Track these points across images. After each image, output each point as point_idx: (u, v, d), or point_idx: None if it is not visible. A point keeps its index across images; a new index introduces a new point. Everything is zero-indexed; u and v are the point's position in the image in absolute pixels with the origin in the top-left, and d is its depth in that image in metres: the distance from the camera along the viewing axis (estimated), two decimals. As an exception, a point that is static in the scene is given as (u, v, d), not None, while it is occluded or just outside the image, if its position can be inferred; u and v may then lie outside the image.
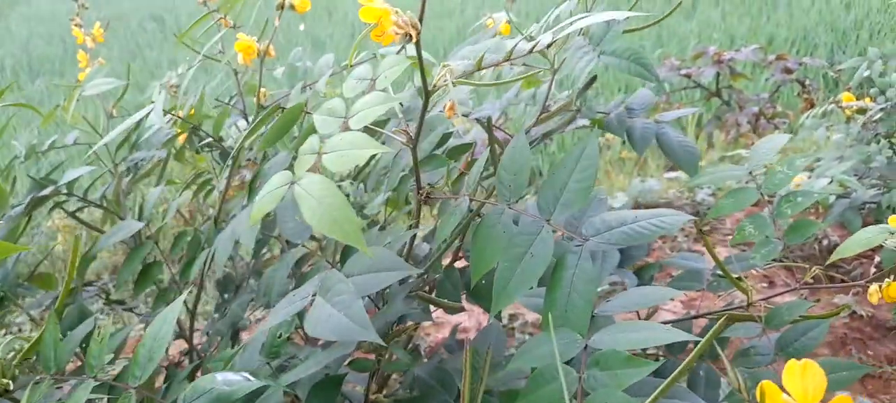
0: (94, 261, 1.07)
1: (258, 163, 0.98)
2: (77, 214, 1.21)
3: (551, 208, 0.57)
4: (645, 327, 0.50)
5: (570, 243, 0.55)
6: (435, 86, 0.52)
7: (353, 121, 0.44)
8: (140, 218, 0.98)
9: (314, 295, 0.56)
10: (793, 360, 0.31)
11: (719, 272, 0.96)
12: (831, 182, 1.61)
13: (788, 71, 2.81)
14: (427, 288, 0.82)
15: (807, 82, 2.89)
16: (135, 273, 0.99)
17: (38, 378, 0.49)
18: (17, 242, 1.08)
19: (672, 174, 2.46)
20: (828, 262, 0.77)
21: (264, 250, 1.18)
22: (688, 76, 2.84)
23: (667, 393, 0.52)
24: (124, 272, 0.97)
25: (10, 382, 0.48)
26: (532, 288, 0.56)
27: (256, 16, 1.09)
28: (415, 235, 0.68)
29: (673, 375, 0.41)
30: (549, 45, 0.62)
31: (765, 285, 1.95)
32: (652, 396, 0.42)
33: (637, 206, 2.29)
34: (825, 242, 2.00)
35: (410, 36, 0.46)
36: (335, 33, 5.30)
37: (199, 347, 1.04)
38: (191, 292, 0.94)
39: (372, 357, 0.73)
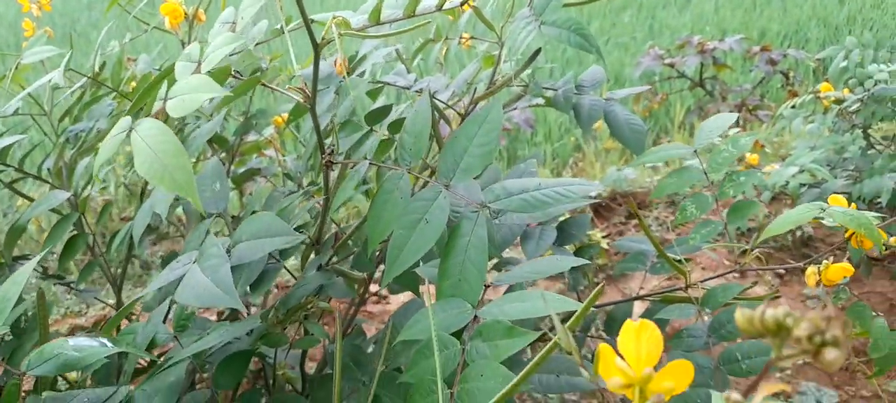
0: (21, 233, 1.03)
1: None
2: (15, 186, 1.18)
3: (451, 174, 0.53)
4: (533, 297, 0.47)
5: (467, 209, 0.52)
6: (324, 39, 0.49)
7: (204, 65, 0.40)
8: (66, 188, 0.95)
9: (194, 262, 0.53)
10: (629, 321, 0.28)
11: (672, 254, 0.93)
12: (802, 171, 1.58)
13: (773, 62, 2.78)
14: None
15: (791, 74, 2.86)
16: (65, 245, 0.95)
17: None
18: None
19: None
20: (757, 242, 0.73)
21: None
22: (671, 65, 2.81)
23: (553, 367, 0.49)
24: (49, 242, 0.94)
25: None
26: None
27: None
28: (326, 204, 0.64)
29: (546, 348, 0.38)
30: (462, 3, 0.58)
31: (736, 275, 1.92)
32: (525, 369, 0.39)
33: (613, 195, 2.26)
34: (799, 233, 1.97)
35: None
36: None
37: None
38: (120, 276, 0.91)
39: (283, 332, 0.70)
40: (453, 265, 0.51)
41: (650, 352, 0.28)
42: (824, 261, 0.74)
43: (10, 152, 1.06)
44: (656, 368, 0.28)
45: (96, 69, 1.15)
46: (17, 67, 1.15)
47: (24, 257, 1.14)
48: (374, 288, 1.16)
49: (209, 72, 0.39)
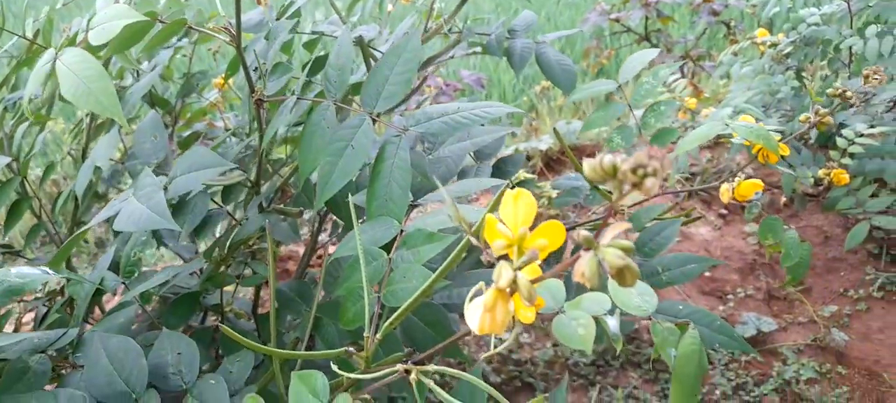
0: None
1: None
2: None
3: (374, 102, 0.57)
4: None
5: (391, 134, 0.55)
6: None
7: (122, -3, 0.42)
8: (5, 154, 0.95)
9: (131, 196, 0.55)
10: (507, 190, 0.32)
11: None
12: (737, 112, 1.65)
13: (715, 13, 2.85)
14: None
15: (733, 24, 2.94)
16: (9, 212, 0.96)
17: None
18: None
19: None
20: (678, 152, 0.78)
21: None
22: (617, 20, 2.86)
23: (457, 268, 0.53)
24: (-8, 210, 0.94)
25: None
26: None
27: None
28: (261, 144, 0.67)
29: (458, 247, 0.42)
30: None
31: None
32: (443, 264, 0.43)
33: (562, 149, 2.32)
34: (741, 175, 2.05)
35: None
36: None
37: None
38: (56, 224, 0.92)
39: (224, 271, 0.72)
40: (380, 187, 0.54)
41: (526, 215, 0.32)
42: (737, 178, 0.79)
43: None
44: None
45: (30, 35, 1.14)
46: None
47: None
48: (324, 239, 1.19)
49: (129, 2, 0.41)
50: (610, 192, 0.89)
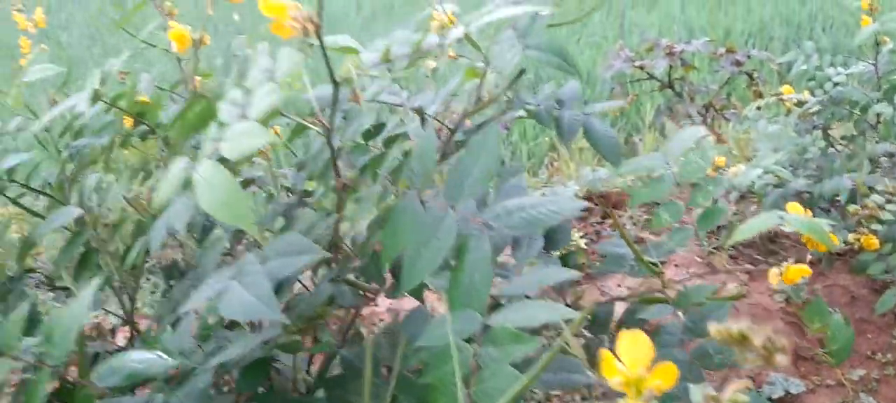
0: (33, 248, 1.08)
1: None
2: (20, 201, 1.21)
3: (456, 195, 0.60)
4: (535, 306, 0.54)
5: (473, 228, 0.59)
6: (342, 77, 0.55)
7: (249, 111, 0.46)
8: (77, 204, 0.99)
9: (231, 279, 0.59)
10: (625, 330, 0.35)
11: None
12: (766, 173, 1.68)
13: (738, 63, 2.89)
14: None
15: (755, 75, 2.98)
16: (74, 259, 1.00)
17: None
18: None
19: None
20: (726, 242, 0.81)
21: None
22: (641, 67, 2.91)
23: (552, 366, 0.56)
24: (62, 258, 0.98)
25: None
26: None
27: (196, 6, 1.10)
28: (337, 221, 0.71)
29: (552, 351, 0.45)
30: (459, 39, 0.65)
31: (706, 270, 2.02)
32: (535, 370, 0.46)
33: (588, 196, 2.35)
34: (765, 230, 2.08)
35: (307, 30, 0.48)
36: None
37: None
38: (126, 279, 0.96)
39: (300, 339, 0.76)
40: (462, 279, 0.58)
41: (643, 357, 0.35)
42: (785, 264, 0.82)
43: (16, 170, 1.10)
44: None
45: (95, 86, 1.19)
46: (17, 84, 1.19)
47: (32, 271, 1.18)
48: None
49: (257, 119, 0.45)
50: (655, 266, 0.92)
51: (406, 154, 0.97)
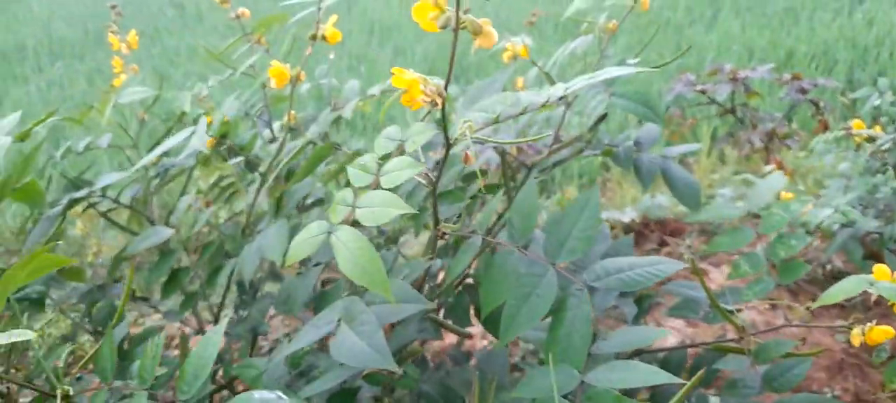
0: (125, 261, 1.14)
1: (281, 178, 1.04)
2: (108, 214, 1.28)
3: (556, 253, 0.62)
4: (636, 367, 0.55)
5: (572, 286, 0.61)
6: (456, 139, 0.58)
7: (383, 180, 0.49)
8: (168, 224, 1.05)
9: (339, 321, 0.62)
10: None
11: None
12: (835, 212, 1.65)
13: (803, 91, 2.84)
14: (438, 308, 0.88)
15: (821, 104, 2.92)
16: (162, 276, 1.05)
17: (93, 386, 0.56)
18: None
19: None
20: (815, 305, 0.81)
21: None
22: (703, 92, 2.88)
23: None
24: (153, 275, 1.04)
25: (70, 389, 0.54)
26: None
27: (281, 35, 1.15)
28: (429, 266, 0.74)
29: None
30: (561, 98, 0.67)
31: (767, 307, 1.99)
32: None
33: (646, 221, 2.34)
34: (829, 267, 2.04)
35: (436, 103, 0.51)
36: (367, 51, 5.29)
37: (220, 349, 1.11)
38: (218, 305, 1.01)
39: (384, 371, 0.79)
40: (561, 335, 0.60)
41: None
42: (868, 324, 0.81)
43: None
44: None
45: (185, 109, 1.26)
46: (110, 104, 1.26)
47: (117, 280, 1.25)
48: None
49: (386, 188, 0.48)
50: (732, 314, 0.92)
51: (480, 191, 1.00)
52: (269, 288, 1.28)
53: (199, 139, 0.79)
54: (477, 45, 0.51)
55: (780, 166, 2.71)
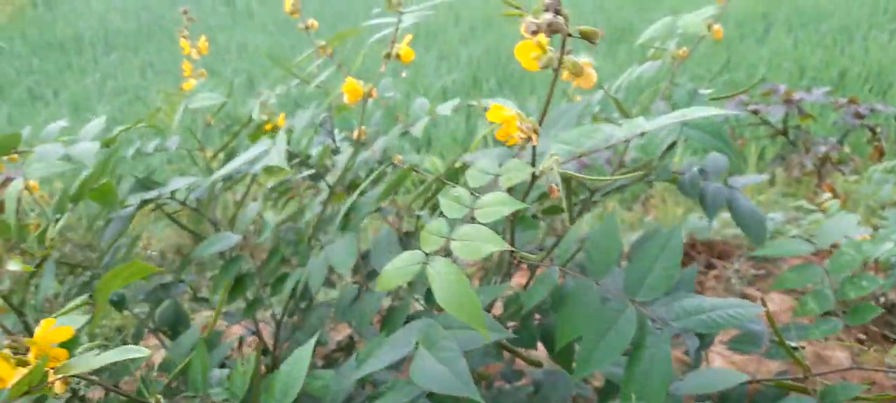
0: (191, 263, 1.17)
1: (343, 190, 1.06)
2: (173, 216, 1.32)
3: (636, 289, 0.63)
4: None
5: (652, 324, 0.61)
6: (542, 172, 0.58)
7: (479, 214, 0.50)
8: (234, 230, 1.08)
9: (417, 344, 0.63)
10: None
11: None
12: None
13: (859, 116, 2.78)
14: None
15: (878, 129, 2.84)
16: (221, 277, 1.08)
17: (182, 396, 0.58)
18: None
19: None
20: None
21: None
22: (755, 112, 2.83)
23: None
24: (220, 279, 1.06)
25: (161, 398, 0.56)
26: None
27: (352, 50, 1.17)
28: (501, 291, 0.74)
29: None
30: (641, 134, 0.67)
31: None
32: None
33: (692, 242, 2.31)
34: (882, 299, 1.99)
35: (530, 139, 0.52)
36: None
37: (277, 354, 1.13)
38: (282, 311, 1.03)
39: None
40: (638, 373, 0.60)
41: None
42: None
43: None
44: None
45: (254, 116, 1.29)
46: (181, 109, 1.30)
47: (181, 281, 1.28)
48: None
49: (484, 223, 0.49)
50: (796, 350, 0.91)
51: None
52: (322, 296, 1.30)
53: (279, 155, 0.81)
54: (575, 84, 0.52)
55: (833, 191, 2.65)
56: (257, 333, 1.30)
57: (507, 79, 4.97)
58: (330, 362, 1.29)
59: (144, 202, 1.17)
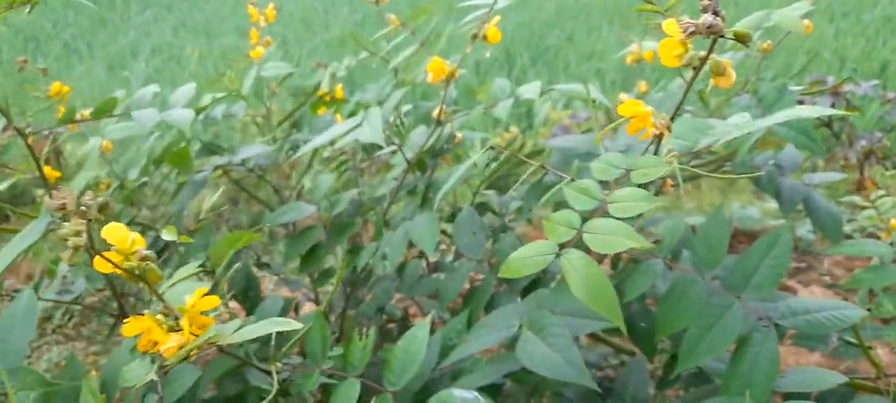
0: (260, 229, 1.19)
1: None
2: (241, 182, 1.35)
3: (741, 287, 0.63)
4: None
5: (758, 322, 0.62)
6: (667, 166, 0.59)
7: (612, 209, 0.51)
8: (310, 200, 1.09)
9: (520, 326, 0.65)
10: None
11: (846, 337, 1.00)
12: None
13: (906, 111, 2.73)
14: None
15: (924, 126, 2.80)
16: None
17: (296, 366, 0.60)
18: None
19: (775, 204, 2.44)
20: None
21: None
22: (800, 103, 2.79)
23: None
24: (292, 248, 1.08)
25: (279, 365, 0.58)
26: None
27: (422, 28, 1.17)
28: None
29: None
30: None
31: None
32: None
33: (734, 232, 2.30)
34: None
35: (663, 135, 0.53)
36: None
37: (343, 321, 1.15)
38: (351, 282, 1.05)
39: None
40: (742, 370, 0.61)
41: None
42: None
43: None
44: None
45: (324, 88, 1.30)
46: (251, 77, 1.31)
47: (248, 246, 1.30)
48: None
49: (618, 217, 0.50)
50: (870, 349, 0.91)
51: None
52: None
53: (375, 131, 0.82)
54: (714, 83, 0.52)
55: (875, 185, 2.62)
56: (316, 299, 1.33)
57: (540, 55, 4.93)
58: (383, 334, 1.31)
59: (217, 168, 1.19)
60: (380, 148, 1.34)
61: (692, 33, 0.47)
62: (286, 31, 4.96)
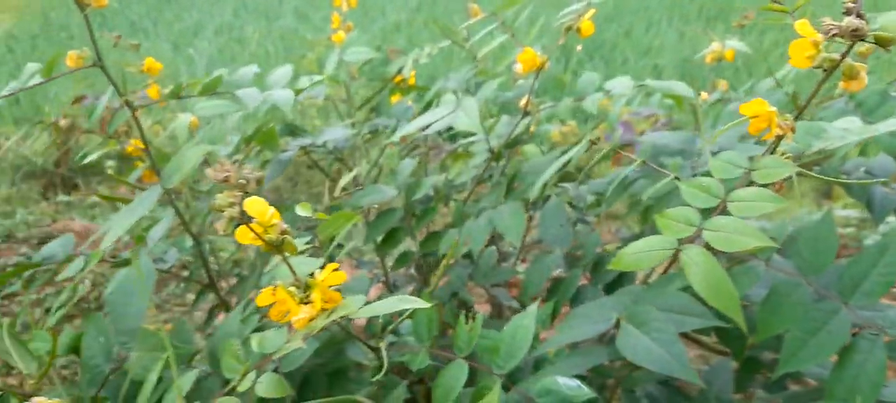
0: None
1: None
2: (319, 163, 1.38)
3: (849, 294, 0.63)
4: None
5: (866, 329, 0.61)
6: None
7: (733, 208, 0.51)
8: (392, 184, 1.11)
9: (618, 319, 0.65)
10: None
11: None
12: None
13: None
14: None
15: None
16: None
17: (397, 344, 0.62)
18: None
19: (843, 212, 2.38)
20: None
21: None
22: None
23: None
24: (373, 231, 1.11)
25: (385, 342, 0.60)
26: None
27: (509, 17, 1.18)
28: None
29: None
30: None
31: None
32: None
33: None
34: None
35: (786, 136, 0.52)
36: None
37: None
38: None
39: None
40: (847, 377, 0.60)
41: None
42: None
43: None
44: None
45: (404, 76, 1.32)
46: (334, 62, 1.34)
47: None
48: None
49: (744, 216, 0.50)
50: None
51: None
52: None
53: (471, 117, 0.83)
54: (844, 86, 0.52)
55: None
56: (386, 282, 1.36)
57: (597, 49, 4.87)
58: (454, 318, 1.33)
59: (301, 148, 1.22)
60: (452, 136, 1.35)
61: (834, 35, 0.47)
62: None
